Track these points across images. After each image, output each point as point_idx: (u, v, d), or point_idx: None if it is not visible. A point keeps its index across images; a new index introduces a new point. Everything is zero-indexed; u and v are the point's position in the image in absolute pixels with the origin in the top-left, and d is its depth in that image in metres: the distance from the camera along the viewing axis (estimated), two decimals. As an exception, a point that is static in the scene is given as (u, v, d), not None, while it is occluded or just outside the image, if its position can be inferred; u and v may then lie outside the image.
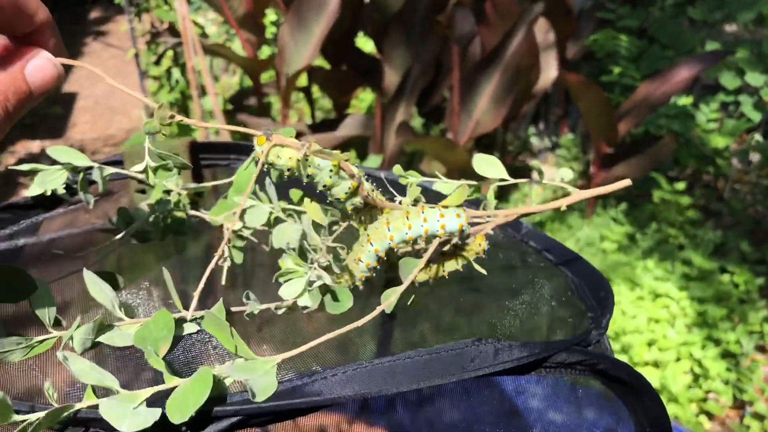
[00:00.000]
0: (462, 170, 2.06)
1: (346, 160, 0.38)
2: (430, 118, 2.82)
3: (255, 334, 0.43)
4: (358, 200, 0.40)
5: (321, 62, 2.70)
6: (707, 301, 1.91)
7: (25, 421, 0.27)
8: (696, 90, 2.80)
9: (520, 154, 2.80)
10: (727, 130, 2.53)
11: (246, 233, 0.48)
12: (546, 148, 2.88)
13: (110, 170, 0.51)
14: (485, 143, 2.68)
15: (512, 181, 0.40)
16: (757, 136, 2.60)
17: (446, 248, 0.41)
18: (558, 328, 0.42)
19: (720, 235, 2.19)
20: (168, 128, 0.39)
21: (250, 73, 2.49)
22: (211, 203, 0.57)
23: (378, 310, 0.37)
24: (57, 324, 0.37)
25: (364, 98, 3.26)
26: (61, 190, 0.55)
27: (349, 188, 0.38)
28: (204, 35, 2.72)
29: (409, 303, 0.40)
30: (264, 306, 0.41)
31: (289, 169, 0.37)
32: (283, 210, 0.50)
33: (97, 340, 0.35)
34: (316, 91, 3.01)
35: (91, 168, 0.49)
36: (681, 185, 2.35)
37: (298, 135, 0.54)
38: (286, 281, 0.44)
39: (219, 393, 0.30)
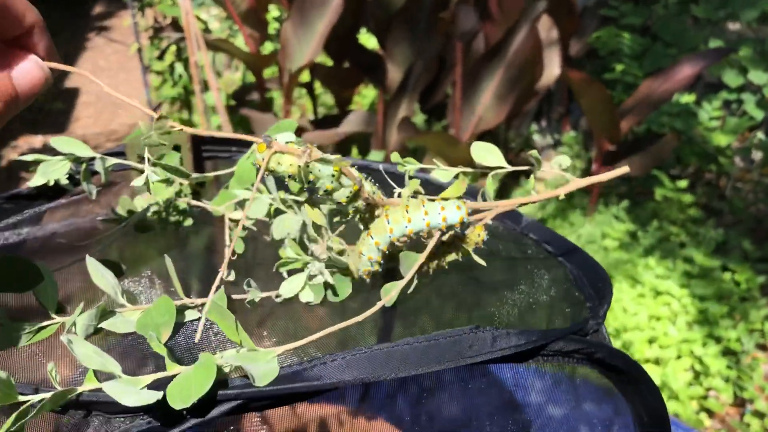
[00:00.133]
0: (464, 167, 2.05)
1: (353, 167, 0.38)
2: (432, 114, 2.82)
3: (255, 328, 0.44)
4: (359, 203, 0.40)
5: (323, 58, 2.70)
6: (708, 299, 1.91)
7: (28, 402, 0.28)
8: (699, 88, 2.79)
9: (522, 151, 2.80)
10: (730, 128, 2.53)
11: (248, 223, 0.49)
12: (548, 145, 2.88)
13: (112, 161, 0.52)
14: (487, 140, 2.67)
15: (510, 168, 0.40)
16: (760, 135, 2.60)
17: (445, 238, 0.42)
18: (556, 318, 0.42)
19: (721, 234, 2.19)
20: (168, 137, 0.39)
21: (252, 69, 2.49)
22: (212, 194, 0.57)
23: (378, 305, 0.37)
24: (60, 311, 0.37)
25: (366, 94, 3.26)
26: (64, 181, 0.56)
27: (351, 192, 0.38)
28: (207, 31, 2.72)
29: (409, 291, 0.41)
30: (265, 294, 0.41)
31: (290, 176, 0.37)
32: (283, 201, 0.50)
33: (100, 326, 0.35)
34: (318, 87, 3.01)
35: (93, 159, 0.49)
36: (683, 183, 2.35)
37: (300, 131, 0.54)
38: (286, 271, 0.44)
39: (220, 378, 0.30)
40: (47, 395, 0.28)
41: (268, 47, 3.10)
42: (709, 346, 1.77)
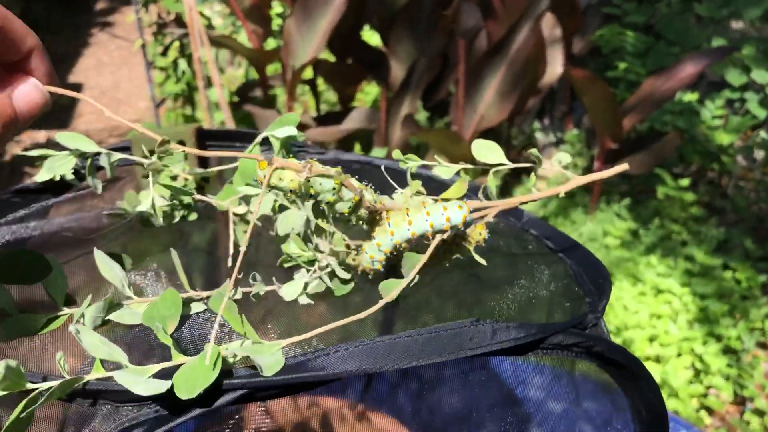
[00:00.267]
0: (466, 164, 2.06)
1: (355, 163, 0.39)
2: (435, 112, 2.82)
3: (259, 324, 0.44)
4: (362, 212, 0.40)
5: (326, 55, 2.71)
6: (709, 298, 1.91)
7: (37, 390, 0.28)
8: (702, 87, 2.79)
9: (525, 149, 2.80)
10: (732, 127, 2.53)
11: (252, 218, 0.49)
12: (551, 143, 2.88)
13: (118, 156, 0.52)
14: (490, 138, 2.67)
15: (511, 165, 0.41)
16: (762, 134, 2.60)
17: (446, 237, 0.42)
18: (556, 312, 0.42)
19: (723, 232, 2.19)
20: (173, 132, 0.40)
21: (255, 65, 2.49)
22: (216, 190, 0.58)
23: (380, 304, 0.37)
24: (68, 303, 0.38)
25: (369, 91, 3.26)
26: (70, 176, 0.56)
27: (352, 203, 0.39)
28: (210, 27, 2.72)
29: (410, 284, 0.41)
30: (269, 287, 0.42)
31: (291, 191, 0.37)
32: (287, 197, 0.51)
33: (108, 317, 0.36)
34: (321, 83, 3.01)
35: (98, 154, 0.50)
36: (685, 182, 2.35)
37: (302, 128, 0.54)
38: (289, 267, 0.45)
39: (225, 368, 0.31)
40: (55, 383, 0.29)
41: (271, 44, 3.10)
42: (709, 345, 1.78)
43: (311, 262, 0.43)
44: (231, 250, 0.48)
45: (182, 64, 2.56)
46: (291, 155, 0.51)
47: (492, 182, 0.42)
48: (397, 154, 0.43)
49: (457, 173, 0.44)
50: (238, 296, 0.41)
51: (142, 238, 0.56)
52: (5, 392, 0.28)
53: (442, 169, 0.43)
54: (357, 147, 2.54)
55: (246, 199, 0.51)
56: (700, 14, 2.85)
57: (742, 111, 2.64)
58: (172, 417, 0.29)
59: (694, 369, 1.76)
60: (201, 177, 0.56)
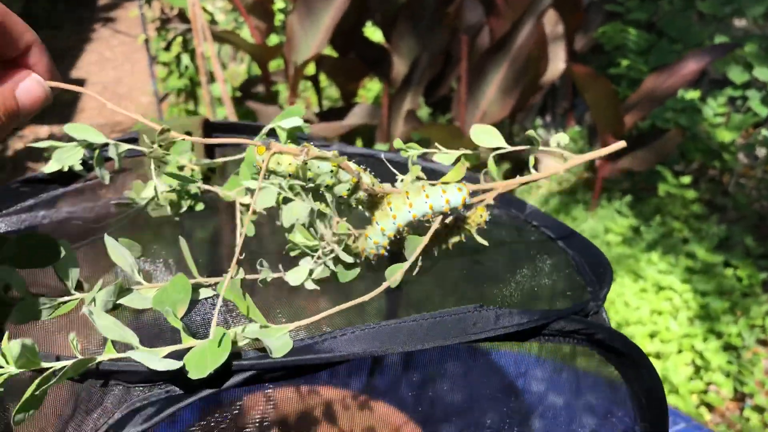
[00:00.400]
0: (470, 167, 2.06)
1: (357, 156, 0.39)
2: (437, 108, 2.82)
3: (267, 312, 0.45)
4: (361, 195, 0.41)
5: (329, 51, 2.71)
6: (710, 295, 1.92)
7: (50, 368, 0.29)
8: (703, 84, 2.79)
9: (526, 146, 2.80)
10: (734, 125, 2.53)
11: (251, 201, 0.50)
12: (552, 140, 2.88)
13: (125, 147, 0.53)
14: (492, 134, 2.68)
15: (510, 149, 0.41)
16: (764, 131, 2.60)
17: (448, 221, 0.43)
18: (558, 301, 0.43)
19: (724, 230, 2.20)
20: (180, 123, 0.40)
21: (258, 61, 2.50)
22: (220, 184, 0.58)
23: (383, 286, 0.38)
24: (78, 288, 0.38)
25: (371, 88, 3.26)
26: (78, 167, 0.57)
27: (350, 185, 0.39)
28: (213, 22, 2.73)
29: (414, 273, 0.42)
30: (276, 275, 0.42)
31: (290, 175, 0.38)
32: (291, 188, 0.51)
33: (118, 302, 0.37)
34: (323, 79, 3.02)
35: (106, 145, 0.50)
36: (686, 179, 2.35)
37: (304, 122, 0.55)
38: (295, 255, 0.46)
39: (234, 350, 0.32)
40: (69, 362, 0.30)
41: (273, 39, 3.10)
42: (710, 341, 1.79)
43: (316, 249, 0.44)
44: (238, 236, 0.48)
45: (185, 59, 2.57)
46: (295, 146, 0.52)
47: (492, 166, 0.43)
48: (398, 143, 0.44)
49: (458, 160, 0.45)
50: (241, 275, 0.42)
51: (147, 229, 0.57)
52: (20, 370, 0.28)
53: (443, 156, 0.44)
54: (359, 143, 2.55)
55: (252, 190, 0.52)
56: (703, 11, 2.85)
57: (744, 108, 2.64)
58: (183, 397, 0.30)
59: (695, 365, 1.77)
60: (207, 168, 0.56)
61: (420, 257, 0.44)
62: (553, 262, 0.47)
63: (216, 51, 2.26)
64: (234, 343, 0.32)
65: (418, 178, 0.41)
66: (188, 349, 0.31)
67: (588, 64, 2.76)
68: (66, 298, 0.37)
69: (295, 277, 0.42)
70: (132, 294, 0.37)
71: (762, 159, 2.58)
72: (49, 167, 0.53)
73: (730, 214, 2.39)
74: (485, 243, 0.43)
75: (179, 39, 2.60)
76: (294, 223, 0.48)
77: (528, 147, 0.40)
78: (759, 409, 1.66)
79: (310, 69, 2.68)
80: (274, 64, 2.99)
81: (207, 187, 0.52)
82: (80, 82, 3.80)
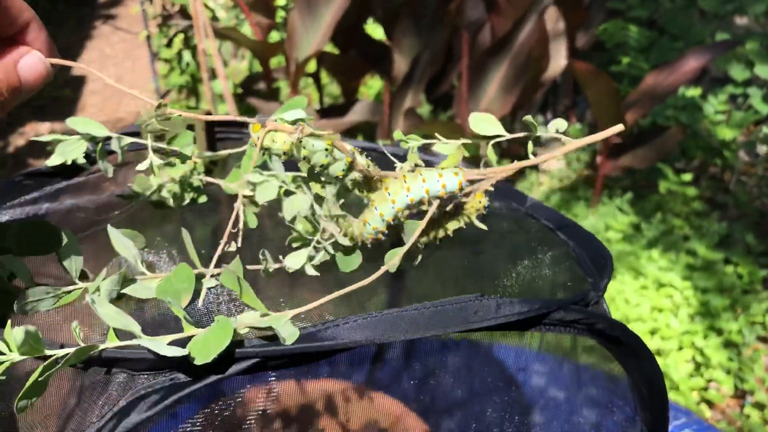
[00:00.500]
0: (469, 157, 2.07)
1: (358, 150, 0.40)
2: (438, 105, 2.82)
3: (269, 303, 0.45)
4: (356, 175, 0.41)
5: (330, 48, 2.71)
6: (710, 292, 1.92)
7: (54, 355, 0.29)
8: (705, 82, 2.79)
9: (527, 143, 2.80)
10: (735, 122, 2.53)
11: (242, 185, 0.50)
12: (553, 137, 2.88)
13: (128, 140, 0.53)
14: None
15: (509, 136, 0.41)
16: (765, 129, 2.60)
17: (448, 208, 0.43)
18: (558, 292, 0.43)
19: (725, 227, 2.20)
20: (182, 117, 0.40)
21: (259, 57, 2.50)
22: (223, 177, 0.58)
23: (382, 270, 0.38)
24: (81, 278, 0.39)
25: (372, 85, 3.26)
26: (81, 160, 0.57)
27: (345, 165, 0.40)
28: (215, 19, 2.73)
29: (415, 263, 0.42)
30: (278, 265, 0.43)
31: (285, 153, 0.38)
32: (293, 180, 0.52)
33: (122, 291, 0.37)
34: (324, 76, 3.02)
35: (109, 138, 0.51)
36: (687, 176, 2.35)
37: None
38: (297, 247, 0.46)
39: (237, 338, 0.32)
40: (72, 350, 0.30)
41: (274, 36, 3.10)
42: (710, 338, 1.79)
43: (317, 238, 0.44)
44: (240, 226, 0.49)
45: (186, 55, 2.57)
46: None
47: (491, 153, 0.43)
48: (398, 134, 0.44)
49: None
50: (239, 264, 0.42)
51: (150, 221, 0.57)
52: (24, 357, 0.29)
53: (442, 146, 0.44)
54: (360, 139, 2.55)
55: (254, 183, 0.52)
56: (704, 9, 2.85)
57: (745, 106, 2.64)
58: (187, 384, 0.30)
59: (695, 362, 1.77)
60: (209, 161, 0.57)
61: (420, 243, 0.44)
62: (554, 254, 0.47)
63: (217, 48, 2.27)
64: (236, 330, 0.32)
65: (417, 166, 0.42)
66: (191, 338, 0.32)
67: (589, 61, 2.75)
68: (70, 288, 0.37)
69: (294, 261, 0.43)
70: (135, 284, 0.37)
71: (763, 156, 2.58)
72: (53, 160, 0.54)
73: (730, 211, 2.39)
74: (484, 227, 0.43)
75: (181, 36, 2.60)
76: (296, 215, 0.48)
77: (526, 134, 0.40)
78: (759, 406, 1.66)
79: (312, 66, 2.68)
80: (276, 61, 2.99)
81: (209, 179, 0.52)
82: (81, 79, 3.80)
